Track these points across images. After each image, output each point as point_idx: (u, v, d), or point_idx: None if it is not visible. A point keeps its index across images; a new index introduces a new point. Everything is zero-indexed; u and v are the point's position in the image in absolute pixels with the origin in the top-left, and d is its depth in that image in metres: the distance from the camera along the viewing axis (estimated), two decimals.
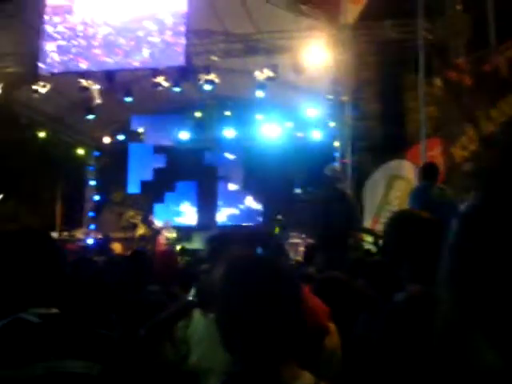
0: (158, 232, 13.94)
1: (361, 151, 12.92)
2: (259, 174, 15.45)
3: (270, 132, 15.42)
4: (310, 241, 8.41)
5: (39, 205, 18.24)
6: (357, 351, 1.64)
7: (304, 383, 1.16)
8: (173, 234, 14.06)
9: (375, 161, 11.70)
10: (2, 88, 11.92)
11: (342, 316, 1.80)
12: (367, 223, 8.53)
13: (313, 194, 6.45)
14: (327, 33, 10.76)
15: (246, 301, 1.16)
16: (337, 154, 12.34)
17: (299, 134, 15.38)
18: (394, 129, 11.92)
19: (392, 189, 8.90)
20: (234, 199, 16.92)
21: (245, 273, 1.20)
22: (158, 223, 14.65)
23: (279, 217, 12.54)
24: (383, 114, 13.74)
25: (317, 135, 15.03)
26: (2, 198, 19.72)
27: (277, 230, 11.75)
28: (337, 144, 12.44)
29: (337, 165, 10.17)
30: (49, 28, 11.19)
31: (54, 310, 1.58)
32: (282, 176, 14.66)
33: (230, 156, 16.76)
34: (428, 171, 5.87)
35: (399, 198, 8.44)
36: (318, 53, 10.74)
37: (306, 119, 14.53)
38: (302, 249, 11.55)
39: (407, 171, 9.11)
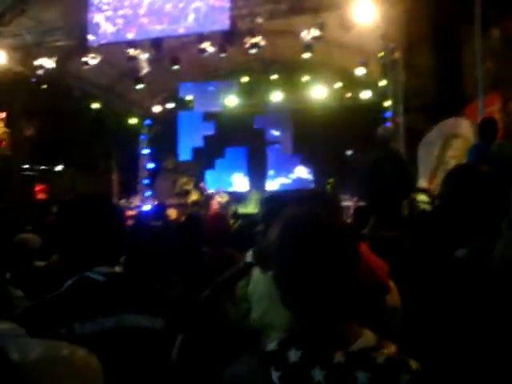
0: (210, 197, 14.21)
1: (414, 110, 12.45)
2: (309, 137, 15.30)
3: (318, 93, 15.14)
4: (361, 203, 8.31)
5: (96, 174, 18.93)
6: (416, 309, 1.63)
7: (366, 341, 1.15)
8: (224, 199, 14.26)
9: (429, 120, 11.26)
10: (55, 62, 12.24)
11: (396, 275, 1.78)
12: (422, 184, 8.30)
13: (364, 156, 6.31)
14: None
15: (301, 259, 1.14)
16: (388, 114, 11.98)
17: (348, 95, 15.02)
18: (449, 85, 11.40)
19: (449, 148, 8.54)
20: (285, 168, 16.88)
21: (300, 230, 1.19)
22: (209, 189, 14.92)
23: (330, 180, 12.43)
24: (437, 70, 13.12)
25: (367, 95, 14.64)
26: (62, 169, 20.62)
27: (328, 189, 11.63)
28: (388, 103, 12.05)
29: (389, 125, 9.88)
30: None
31: (117, 269, 1.66)
32: (331, 138, 14.43)
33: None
34: (486, 128, 5.61)
35: (456, 158, 8.09)
36: (367, 8, 10.32)
37: (355, 79, 14.13)
38: (352, 211, 11.45)
39: (465, 129, 8.70)
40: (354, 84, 14.55)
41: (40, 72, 12.19)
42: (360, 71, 13.58)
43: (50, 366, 1.11)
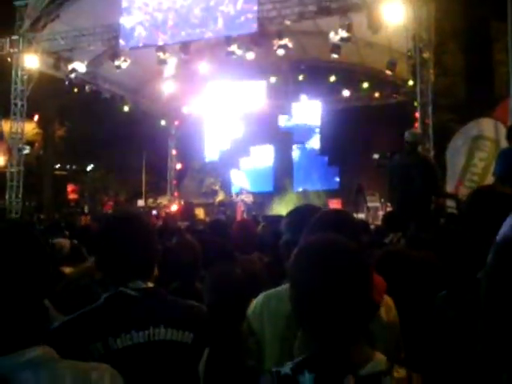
0: (236, 198, 14.29)
1: (443, 110, 12.26)
2: (336, 138, 15.23)
3: (346, 94, 15.06)
4: (389, 208, 8.25)
5: (126, 174, 19.32)
6: (433, 329, 1.64)
7: (376, 365, 1.17)
8: (250, 200, 14.27)
9: (459, 119, 11.08)
10: (87, 65, 12.53)
11: (405, 291, 1.79)
12: (450, 187, 8.21)
13: (391, 160, 6.27)
14: None
15: (315, 283, 1.19)
16: (417, 114, 11.81)
17: (376, 95, 14.88)
18: (479, 84, 11.21)
19: (476, 150, 8.40)
20: (312, 168, 16.87)
21: (315, 255, 1.24)
22: (234, 189, 15.04)
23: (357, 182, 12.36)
24: (468, 68, 12.90)
25: (395, 95, 14.48)
26: (93, 169, 21.12)
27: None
28: (417, 103, 11.88)
29: (417, 128, 9.75)
30: (126, 4, 11.55)
31: (150, 284, 1.75)
32: (359, 138, 14.34)
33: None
34: None
35: (484, 161, 7.97)
36: (395, 8, 10.21)
37: (383, 79, 14.00)
38: (380, 213, 11.39)
39: (492, 131, 8.55)
40: (382, 84, 14.42)
41: (72, 75, 12.49)
42: (389, 71, 13.43)
43: None
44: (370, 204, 12.39)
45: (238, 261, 3.51)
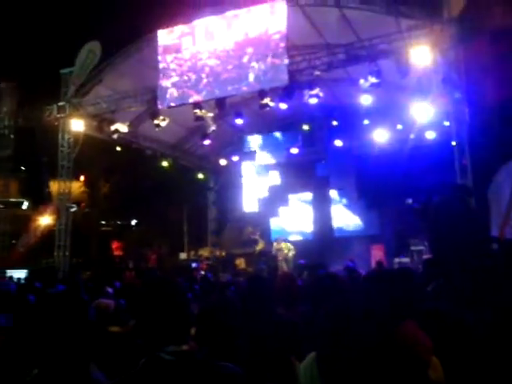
0: (276, 248, 14.22)
1: (482, 149, 12.05)
2: (372, 182, 15.11)
3: (381, 137, 15.05)
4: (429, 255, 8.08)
5: (168, 227, 19.72)
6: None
7: None
8: (290, 249, 14.11)
9: (500, 157, 10.83)
10: (128, 126, 13.18)
11: (446, 350, 1.78)
12: (495, 228, 7.93)
13: (428, 204, 6.12)
14: (431, 30, 10.35)
15: (337, 347, 1.24)
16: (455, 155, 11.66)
17: (411, 137, 14.77)
18: None
19: None
20: (351, 211, 16.77)
21: (339, 319, 1.29)
22: (274, 238, 15.05)
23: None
24: (503, 103, 12.69)
25: (431, 136, 14.37)
26: (136, 224, 21.73)
27: None
28: (454, 143, 11.75)
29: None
30: (163, 66, 12.19)
31: (185, 347, 1.82)
32: (395, 182, 14.16)
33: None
34: None
35: None
36: (423, 52, 10.37)
37: (417, 120, 13.94)
38: (425, 256, 11.11)
39: None
40: (416, 126, 14.35)
41: (115, 136, 13.13)
42: (422, 112, 13.37)
43: None
44: (413, 247, 12.15)
45: (277, 318, 3.51)
